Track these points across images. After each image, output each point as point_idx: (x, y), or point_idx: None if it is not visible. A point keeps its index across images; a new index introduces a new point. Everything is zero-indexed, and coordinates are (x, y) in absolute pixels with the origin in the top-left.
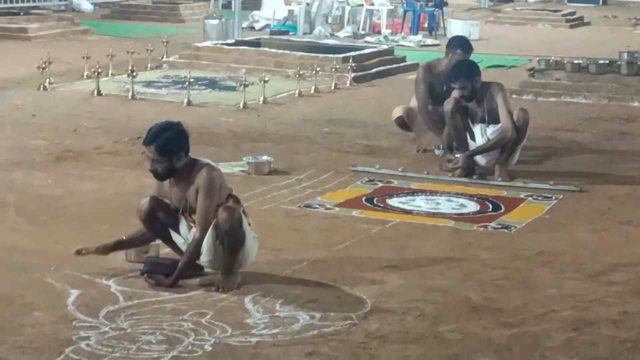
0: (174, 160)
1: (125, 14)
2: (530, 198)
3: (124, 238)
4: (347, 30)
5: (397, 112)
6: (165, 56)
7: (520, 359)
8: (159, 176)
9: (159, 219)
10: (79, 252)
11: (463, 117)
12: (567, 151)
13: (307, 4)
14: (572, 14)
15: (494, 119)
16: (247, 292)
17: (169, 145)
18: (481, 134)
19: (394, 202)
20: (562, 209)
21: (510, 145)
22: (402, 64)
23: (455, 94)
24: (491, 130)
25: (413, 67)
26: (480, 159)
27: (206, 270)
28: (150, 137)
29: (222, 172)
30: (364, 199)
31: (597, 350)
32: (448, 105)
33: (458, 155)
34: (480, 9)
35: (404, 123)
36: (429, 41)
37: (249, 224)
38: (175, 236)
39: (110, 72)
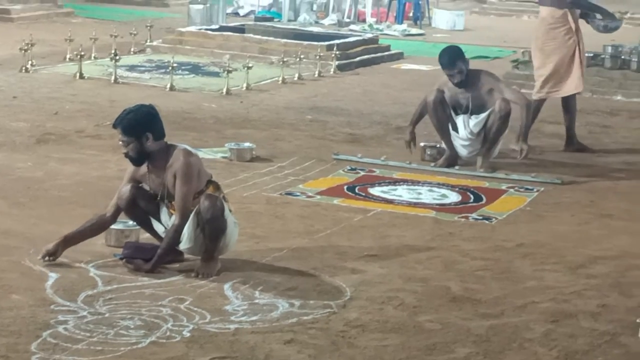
0: (142, 141)
1: None
2: (512, 190)
3: (74, 231)
4: (332, 18)
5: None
6: (148, 40)
7: (499, 350)
8: (132, 159)
9: (140, 207)
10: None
11: (445, 108)
12: (549, 143)
13: None
14: None
15: (479, 108)
16: (226, 279)
17: (134, 125)
18: (464, 126)
19: (375, 191)
20: (544, 201)
21: (492, 136)
22: (386, 53)
23: (438, 85)
24: (474, 122)
25: (397, 56)
26: (462, 150)
27: (186, 256)
28: (117, 119)
29: (205, 157)
30: (345, 187)
31: (575, 343)
32: (430, 96)
33: (439, 146)
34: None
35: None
36: (414, 30)
37: (230, 210)
38: (156, 224)
39: (93, 55)
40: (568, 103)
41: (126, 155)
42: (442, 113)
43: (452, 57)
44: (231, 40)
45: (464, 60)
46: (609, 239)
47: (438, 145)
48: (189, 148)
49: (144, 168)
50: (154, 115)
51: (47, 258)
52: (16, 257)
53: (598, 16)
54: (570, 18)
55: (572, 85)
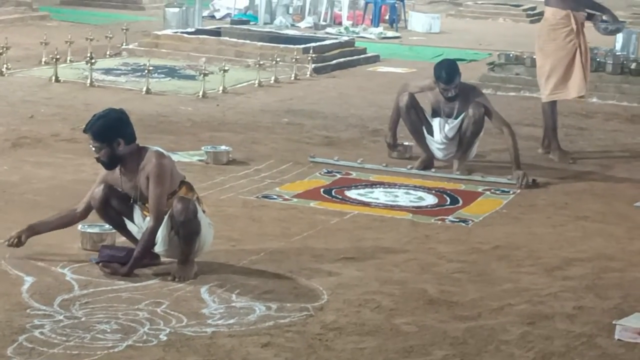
0: (113, 147)
1: (84, 0)
2: (488, 192)
3: (41, 220)
4: (308, 21)
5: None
6: (124, 44)
7: (475, 352)
8: (104, 164)
9: (113, 208)
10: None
11: (418, 112)
12: (525, 146)
13: None
14: (533, 9)
15: (458, 116)
16: (203, 282)
17: (104, 131)
18: (439, 129)
19: (352, 193)
20: (520, 203)
21: (467, 140)
22: (362, 56)
23: (409, 88)
24: (449, 127)
25: (373, 59)
26: (438, 152)
27: (163, 259)
28: (87, 124)
29: (181, 161)
30: (322, 190)
31: (552, 345)
32: (402, 100)
33: (406, 143)
34: (441, 2)
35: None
36: (390, 33)
37: (204, 211)
38: (130, 225)
39: (68, 58)
40: (543, 107)
41: (98, 160)
42: (415, 117)
43: (450, 73)
44: (207, 44)
45: (460, 75)
46: (584, 240)
47: (405, 143)
48: (160, 150)
49: (116, 171)
50: (124, 120)
51: (12, 242)
52: None
53: (603, 17)
54: (573, 20)
55: (574, 88)
